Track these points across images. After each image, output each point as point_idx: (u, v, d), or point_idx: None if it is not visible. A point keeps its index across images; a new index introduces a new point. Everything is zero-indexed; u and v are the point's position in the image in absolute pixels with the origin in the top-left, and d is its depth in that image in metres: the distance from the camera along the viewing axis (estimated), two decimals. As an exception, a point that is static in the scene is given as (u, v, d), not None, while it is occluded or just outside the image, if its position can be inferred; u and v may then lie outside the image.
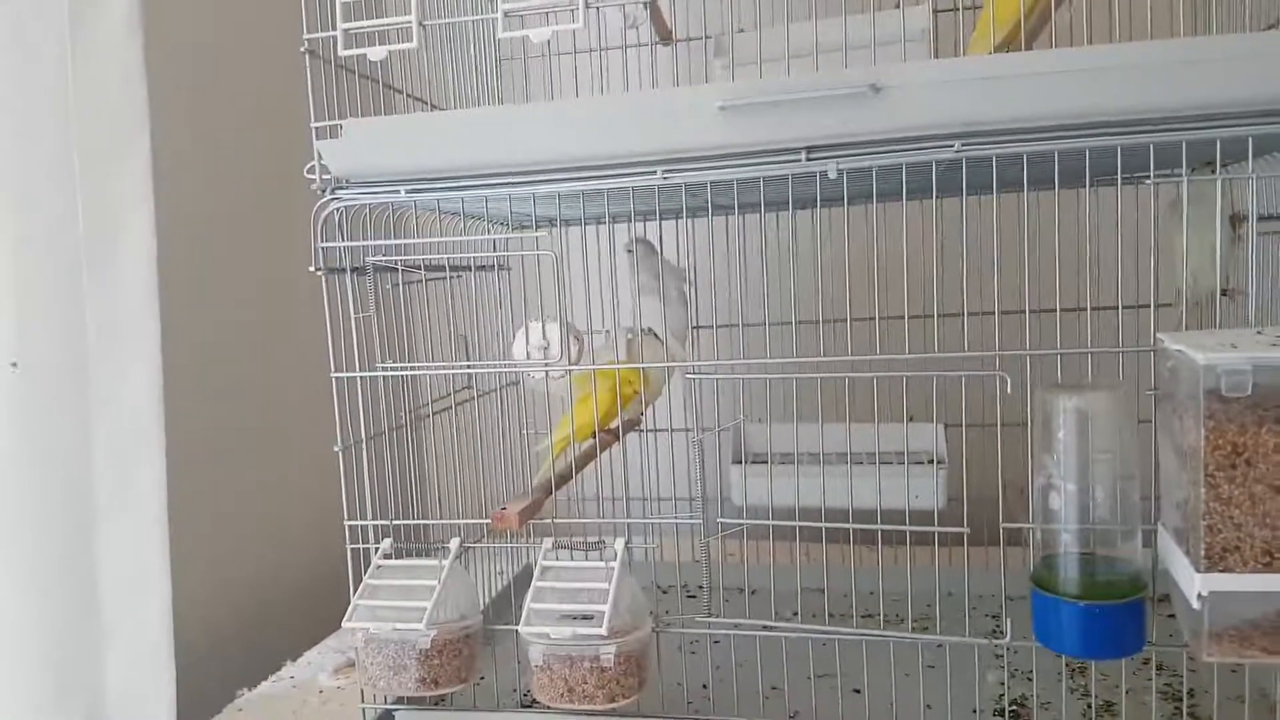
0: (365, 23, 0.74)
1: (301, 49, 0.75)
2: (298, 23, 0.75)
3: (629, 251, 1.00)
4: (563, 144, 0.71)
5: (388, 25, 0.73)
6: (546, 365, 0.75)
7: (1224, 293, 0.81)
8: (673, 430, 1.06)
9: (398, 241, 0.78)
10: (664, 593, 1.08)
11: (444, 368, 0.80)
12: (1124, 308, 0.67)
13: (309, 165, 0.78)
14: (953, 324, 0.71)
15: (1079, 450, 0.64)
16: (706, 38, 0.99)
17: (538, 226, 0.78)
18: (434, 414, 0.84)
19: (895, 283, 0.70)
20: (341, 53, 0.75)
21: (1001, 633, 0.72)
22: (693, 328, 1.00)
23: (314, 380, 0.88)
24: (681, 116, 0.69)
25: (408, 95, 0.86)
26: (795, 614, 0.87)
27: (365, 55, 0.75)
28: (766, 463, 1.01)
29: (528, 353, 0.76)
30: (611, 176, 0.72)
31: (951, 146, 0.66)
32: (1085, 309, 0.67)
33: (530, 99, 1.04)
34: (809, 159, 0.69)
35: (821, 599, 0.84)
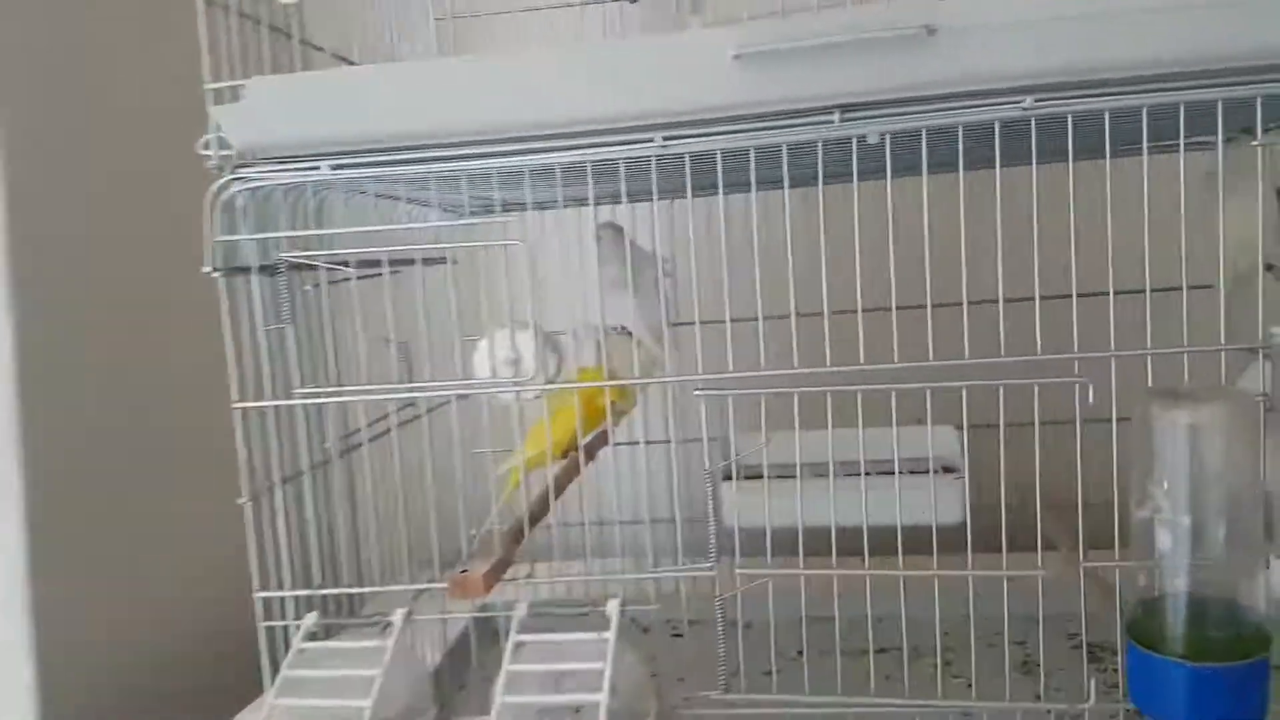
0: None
1: (190, -11, 0.59)
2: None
3: (598, 239, 0.85)
4: (533, 106, 0.56)
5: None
6: (519, 385, 0.60)
7: (1269, 268, 0.70)
8: (647, 443, 0.91)
9: (325, 232, 0.62)
10: (644, 632, 0.92)
11: (382, 392, 0.64)
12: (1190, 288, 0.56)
13: (203, 139, 0.61)
14: (1010, 317, 0.58)
15: (1192, 475, 0.52)
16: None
17: (491, 211, 0.63)
18: (368, 441, 0.67)
19: (942, 268, 0.57)
20: (242, -10, 0.58)
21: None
22: (670, 325, 0.86)
23: (211, 411, 0.70)
24: (686, 69, 0.55)
25: (331, 54, 0.70)
26: (804, 652, 0.71)
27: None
28: (766, 478, 0.87)
29: (493, 369, 0.60)
30: (596, 146, 0.57)
31: (1020, 102, 0.54)
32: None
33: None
34: (844, 120, 0.55)
35: (837, 630, 0.68)
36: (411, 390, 0.62)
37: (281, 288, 0.62)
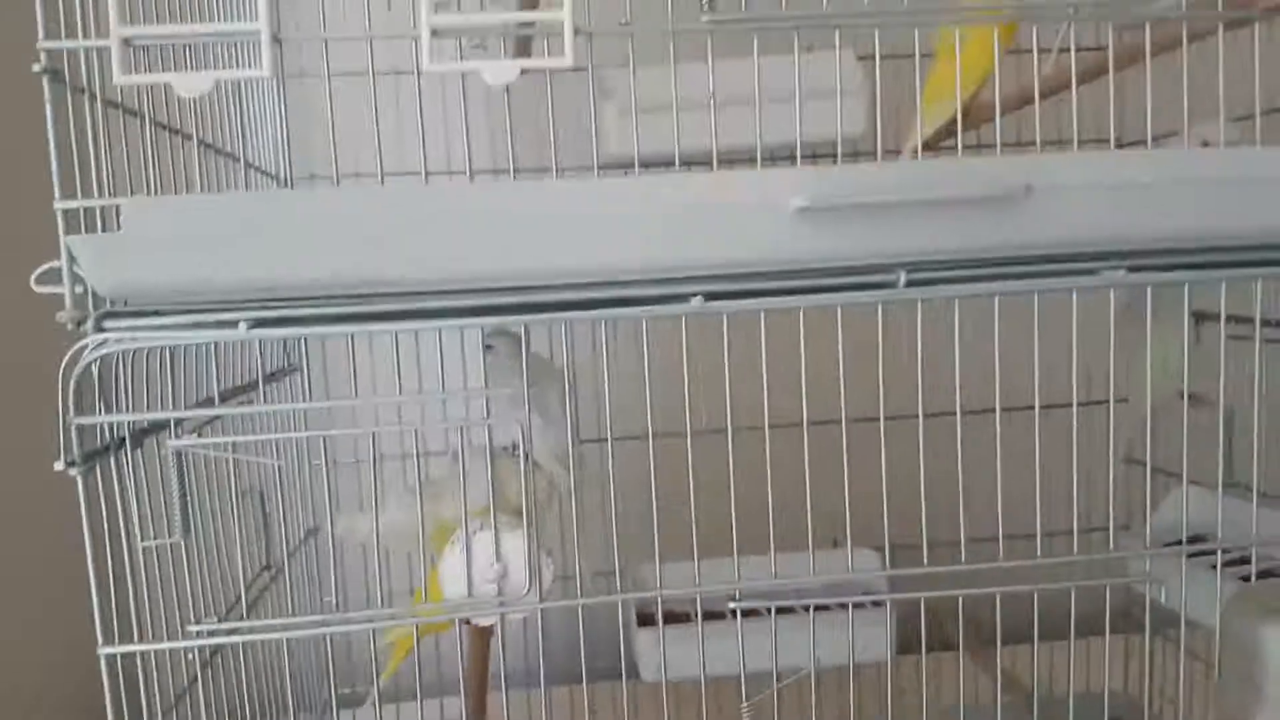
0: (163, 28, 0.41)
1: (36, 66, 0.41)
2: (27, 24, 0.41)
3: (488, 348, 0.72)
4: (558, 249, 0.43)
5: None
6: (503, 607, 0.46)
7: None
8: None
9: (250, 409, 0.45)
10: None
11: (317, 623, 0.47)
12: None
13: (41, 269, 0.43)
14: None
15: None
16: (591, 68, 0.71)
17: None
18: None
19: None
20: (119, 80, 0.41)
21: None
22: (575, 444, 0.74)
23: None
24: (735, 219, 0.44)
25: (205, 144, 0.53)
26: None
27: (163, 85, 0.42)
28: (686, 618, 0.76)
29: (469, 584, 0.46)
30: (614, 305, 0.45)
31: (1098, 269, 0.48)
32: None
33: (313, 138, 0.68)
34: (910, 284, 0.47)
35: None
36: (387, 618, 0.46)
37: (171, 475, 0.45)
